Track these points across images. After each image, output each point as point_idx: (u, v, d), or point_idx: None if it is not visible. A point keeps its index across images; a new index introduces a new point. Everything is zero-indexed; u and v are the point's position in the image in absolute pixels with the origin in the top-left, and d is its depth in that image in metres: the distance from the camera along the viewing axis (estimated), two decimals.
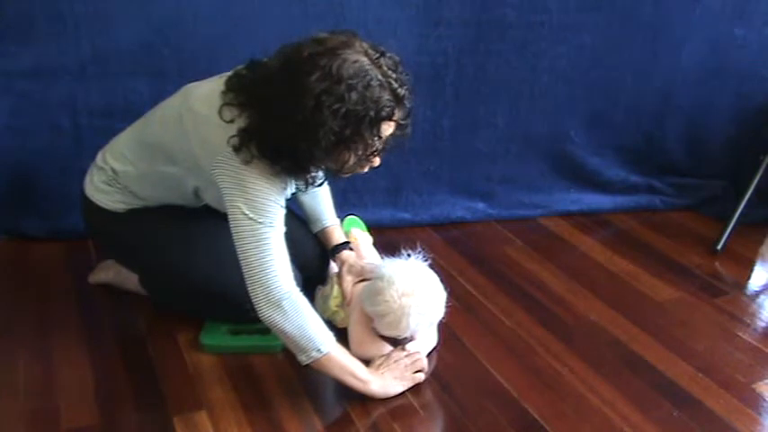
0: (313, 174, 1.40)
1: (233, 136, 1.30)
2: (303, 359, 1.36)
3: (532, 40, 2.11)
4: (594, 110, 2.29)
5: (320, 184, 1.50)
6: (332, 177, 1.53)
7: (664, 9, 2.17)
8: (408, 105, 1.33)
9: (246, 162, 1.30)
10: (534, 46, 2.12)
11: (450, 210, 2.23)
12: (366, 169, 1.40)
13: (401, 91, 1.28)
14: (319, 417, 1.40)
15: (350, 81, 1.21)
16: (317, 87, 1.21)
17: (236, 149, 1.29)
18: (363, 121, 1.24)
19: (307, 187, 1.42)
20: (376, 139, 1.29)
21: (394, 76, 1.27)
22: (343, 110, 1.22)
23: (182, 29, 1.83)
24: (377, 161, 1.37)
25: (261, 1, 1.83)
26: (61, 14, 1.75)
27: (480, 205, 2.27)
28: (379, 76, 1.25)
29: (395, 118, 1.30)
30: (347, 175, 1.41)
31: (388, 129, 1.31)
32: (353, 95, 1.22)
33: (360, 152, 1.30)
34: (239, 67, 1.38)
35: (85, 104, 1.87)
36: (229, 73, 1.38)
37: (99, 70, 1.83)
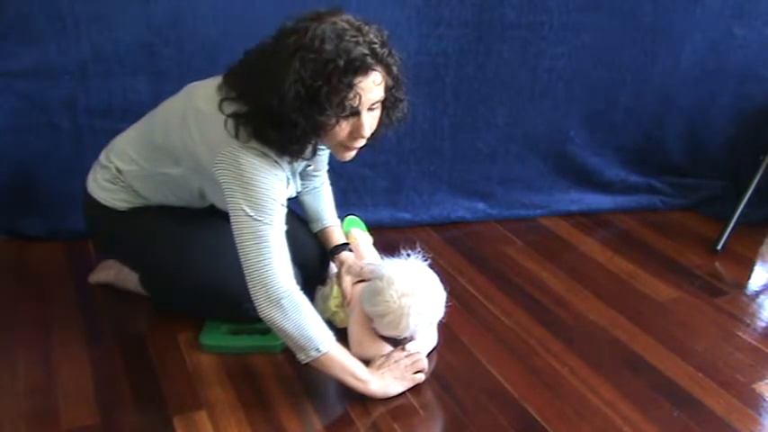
0: (306, 149, 1.35)
1: (228, 117, 1.30)
2: (302, 358, 1.36)
3: (532, 40, 2.11)
4: (594, 110, 2.29)
5: (312, 155, 1.41)
6: (330, 153, 1.48)
7: (664, 9, 2.17)
8: (395, 71, 1.31)
9: (244, 143, 1.30)
10: (534, 46, 2.12)
11: (451, 210, 2.23)
12: (358, 143, 1.35)
13: (380, 51, 1.26)
14: (319, 417, 1.40)
15: (324, 36, 1.21)
16: (293, 46, 1.22)
17: (236, 134, 1.30)
18: (334, 72, 1.21)
19: (294, 158, 1.37)
20: (350, 92, 1.24)
21: (375, 39, 1.26)
22: (313, 58, 1.21)
23: (182, 29, 1.83)
24: (364, 129, 1.31)
25: (261, 1, 1.83)
26: (61, 14, 1.75)
27: (480, 205, 2.27)
28: (356, 34, 1.24)
29: (373, 70, 1.26)
30: (343, 154, 1.38)
31: (365, 85, 1.26)
32: (326, 47, 1.21)
33: (335, 106, 1.24)
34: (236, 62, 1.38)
35: (85, 104, 1.87)
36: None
37: (99, 70, 1.83)
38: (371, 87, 1.27)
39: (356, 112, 1.29)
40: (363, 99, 1.27)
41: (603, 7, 2.13)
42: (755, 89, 2.29)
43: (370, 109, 1.31)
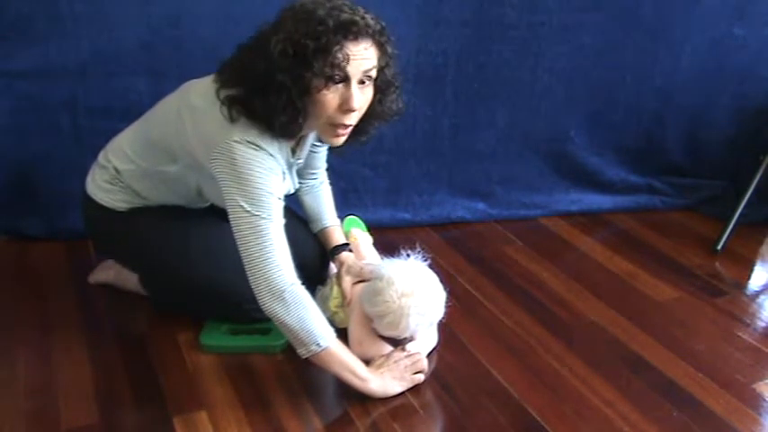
0: (292, 123, 1.32)
1: (222, 102, 1.31)
2: (303, 352, 1.35)
3: (532, 40, 2.11)
4: (594, 110, 2.29)
5: (299, 131, 1.38)
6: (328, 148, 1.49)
7: (664, 9, 2.17)
8: (387, 49, 1.31)
9: (236, 126, 1.30)
10: (534, 46, 2.12)
11: (451, 210, 2.24)
12: (348, 119, 1.32)
13: (373, 25, 1.27)
14: (319, 417, 1.40)
15: (318, 3, 1.24)
16: (286, 14, 1.25)
17: (230, 116, 1.30)
18: (324, 32, 1.22)
19: (282, 135, 1.35)
20: (339, 54, 1.23)
21: (371, 18, 1.27)
22: (305, 19, 1.22)
23: (182, 29, 1.84)
24: (354, 100, 1.29)
25: (261, 1, 1.83)
26: (61, 14, 1.75)
27: (480, 205, 2.27)
28: (352, 8, 1.25)
29: (365, 38, 1.26)
30: (332, 135, 1.36)
31: (356, 52, 1.25)
32: (319, 11, 1.23)
33: (322, 64, 1.23)
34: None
35: (85, 104, 1.87)
36: None
37: (99, 70, 1.83)
38: (361, 53, 1.27)
39: (345, 79, 1.27)
40: (352, 63, 1.25)
41: (603, 7, 2.13)
42: (755, 89, 2.29)
43: (362, 82, 1.30)
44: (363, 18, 1.25)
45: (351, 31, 1.24)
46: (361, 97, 1.32)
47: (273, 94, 1.27)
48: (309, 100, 1.29)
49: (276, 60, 1.23)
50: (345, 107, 1.30)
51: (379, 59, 1.31)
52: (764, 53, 2.25)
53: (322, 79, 1.26)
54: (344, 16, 1.23)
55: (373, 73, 1.31)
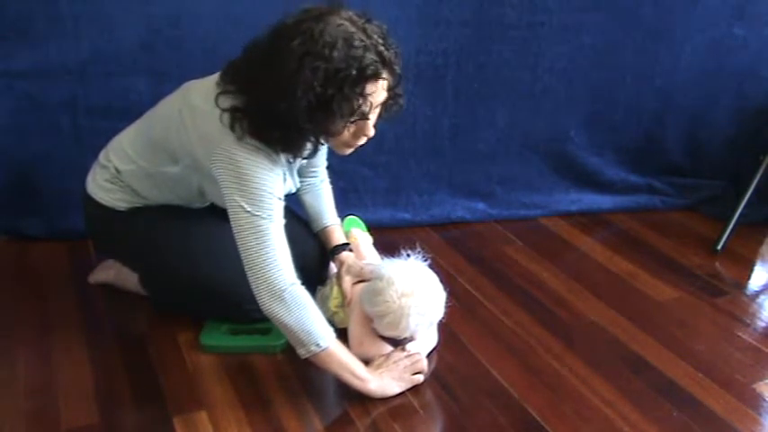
0: (307, 148, 1.37)
1: (224, 111, 1.30)
2: (302, 353, 1.36)
3: (532, 40, 2.11)
4: (594, 110, 2.29)
5: (313, 154, 1.42)
6: (328, 148, 1.51)
7: (664, 9, 2.17)
8: (398, 71, 1.32)
9: (239, 139, 1.30)
10: (534, 46, 2.12)
11: (451, 210, 2.23)
12: (362, 141, 1.38)
13: (387, 54, 1.27)
14: (319, 417, 1.40)
15: (332, 42, 1.21)
16: (300, 50, 1.21)
17: (231, 128, 1.30)
18: (346, 81, 1.22)
19: (295, 156, 1.39)
20: (361, 99, 1.25)
21: (380, 40, 1.27)
22: (324, 67, 1.21)
23: (182, 29, 1.84)
24: (370, 130, 1.34)
25: (261, 1, 1.83)
26: (61, 14, 1.75)
27: (480, 205, 2.27)
28: (364, 38, 1.24)
29: (383, 77, 1.28)
30: (344, 151, 1.40)
31: (375, 91, 1.28)
32: (335, 54, 1.21)
33: (346, 114, 1.26)
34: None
35: (85, 104, 1.87)
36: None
37: (99, 70, 1.83)
38: (380, 92, 1.30)
39: (364, 116, 1.30)
40: (373, 104, 1.29)
41: (603, 7, 2.13)
42: (755, 89, 2.29)
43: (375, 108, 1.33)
44: (377, 49, 1.25)
45: (372, 75, 1.25)
46: (375, 121, 1.35)
47: (293, 132, 1.30)
48: (329, 137, 1.34)
49: (300, 110, 1.24)
50: (361, 134, 1.35)
51: (391, 82, 1.33)
52: (764, 53, 2.25)
53: (343, 122, 1.29)
54: (365, 60, 1.22)
55: (386, 98, 1.34)
